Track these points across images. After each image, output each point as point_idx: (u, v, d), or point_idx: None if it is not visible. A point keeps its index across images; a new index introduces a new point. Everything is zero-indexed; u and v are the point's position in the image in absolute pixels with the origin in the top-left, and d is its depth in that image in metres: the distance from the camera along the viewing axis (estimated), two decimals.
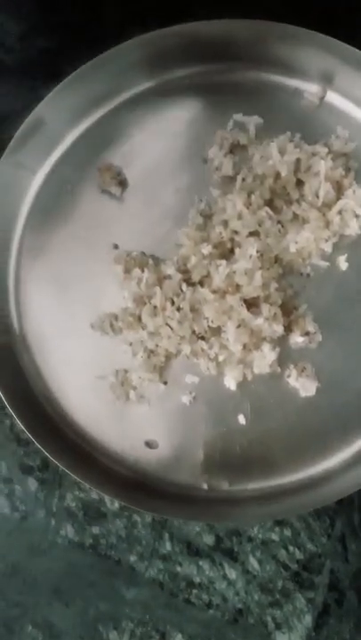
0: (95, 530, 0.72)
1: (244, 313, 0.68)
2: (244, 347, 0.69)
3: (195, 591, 0.71)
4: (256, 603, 0.70)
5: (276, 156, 0.70)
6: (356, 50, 0.70)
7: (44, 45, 0.81)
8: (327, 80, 0.73)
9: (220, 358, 0.70)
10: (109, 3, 0.79)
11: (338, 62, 0.71)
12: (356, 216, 0.71)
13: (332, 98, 0.74)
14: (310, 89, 0.74)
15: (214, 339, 0.70)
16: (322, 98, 0.74)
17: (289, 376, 0.70)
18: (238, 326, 0.68)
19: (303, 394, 0.70)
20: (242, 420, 0.69)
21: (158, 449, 0.70)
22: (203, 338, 0.70)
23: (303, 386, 0.69)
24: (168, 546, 0.72)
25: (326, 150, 0.72)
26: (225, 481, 0.69)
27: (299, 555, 0.71)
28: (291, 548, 0.71)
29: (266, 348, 0.69)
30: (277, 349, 0.69)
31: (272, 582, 0.70)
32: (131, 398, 0.70)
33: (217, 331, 0.70)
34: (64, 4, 0.80)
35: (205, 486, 0.69)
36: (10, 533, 0.74)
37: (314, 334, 0.70)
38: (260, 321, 0.68)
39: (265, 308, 0.68)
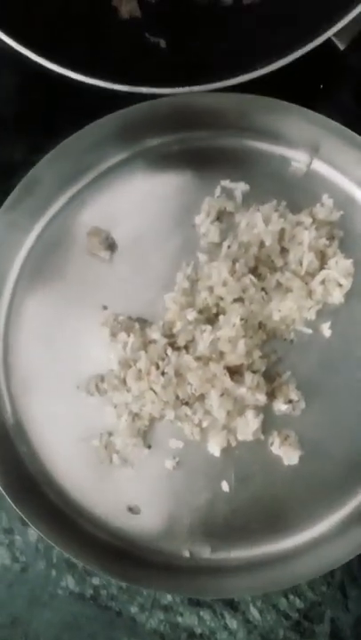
0: (95, 581, 0.73)
1: (228, 382, 0.69)
2: (228, 413, 0.69)
3: None
4: None
5: (261, 225, 0.71)
6: (338, 124, 0.70)
7: (41, 98, 0.82)
8: (313, 149, 0.73)
9: (204, 424, 0.70)
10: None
11: (322, 133, 0.72)
12: (340, 285, 0.71)
13: (319, 166, 0.74)
14: (297, 157, 0.74)
15: (198, 404, 0.70)
16: (308, 165, 0.74)
17: (272, 444, 0.70)
18: (222, 394, 0.69)
19: (286, 462, 0.70)
20: (225, 487, 0.70)
21: (141, 514, 0.70)
22: (187, 403, 0.71)
23: (286, 454, 0.70)
24: (169, 596, 0.72)
25: (311, 220, 0.72)
26: (207, 548, 0.69)
27: (299, 603, 0.71)
28: (291, 597, 0.71)
29: (250, 414, 0.69)
30: (261, 416, 0.70)
31: (273, 632, 0.71)
32: (114, 462, 0.71)
33: (201, 396, 0.71)
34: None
35: (187, 554, 0.69)
36: (10, 585, 0.74)
37: (297, 402, 0.70)
38: (242, 390, 0.69)
39: (248, 377, 0.69)
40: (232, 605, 0.72)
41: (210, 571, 0.69)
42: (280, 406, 0.70)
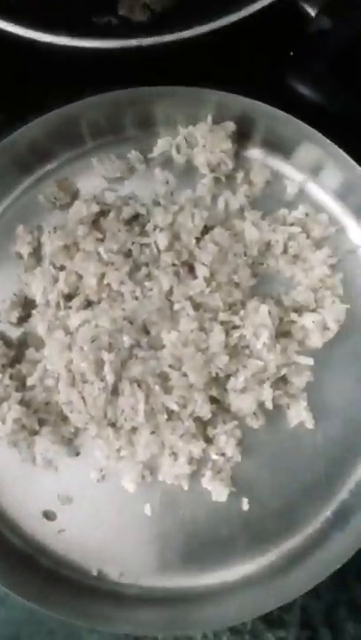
0: None
1: (162, 419, 0.63)
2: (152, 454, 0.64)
3: None
4: None
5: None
6: (343, 153, 0.68)
7: None
8: (312, 172, 0.70)
9: (122, 453, 0.64)
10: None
11: (325, 157, 0.69)
12: (326, 329, 0.66)
13: (312, 188, 0.71)
14: (292, 175, 0.71)
15: (124, 431, 0.64)
16: (302, 186, 0.71)
17: (203, 476, 0.65)
18: (152, 432, 0.63)
19: (214, 498, 0.64)
20: (148, 510, 0.65)
21: (55, 522, 0.65)
22: (113, 425, 0.64)
23: (216, 490, 0.64)
24: None
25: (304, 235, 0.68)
26: (117, 571, 0.65)
27: None
28: None
29: (182, 459, 0.64)
30: (193, 466, 0.64)
31: (241, 622, 0.66)
32: (37, 463, 0.66)
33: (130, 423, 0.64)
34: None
35: (95, 572, 0.64)
36: None
37: (230, 457, 0.65)
38: (174, 438, 0.63)
39: (186, 424, 0.64)
40: None
41: (115, 596, 0.64)
42: (213, 456, 0.65)
